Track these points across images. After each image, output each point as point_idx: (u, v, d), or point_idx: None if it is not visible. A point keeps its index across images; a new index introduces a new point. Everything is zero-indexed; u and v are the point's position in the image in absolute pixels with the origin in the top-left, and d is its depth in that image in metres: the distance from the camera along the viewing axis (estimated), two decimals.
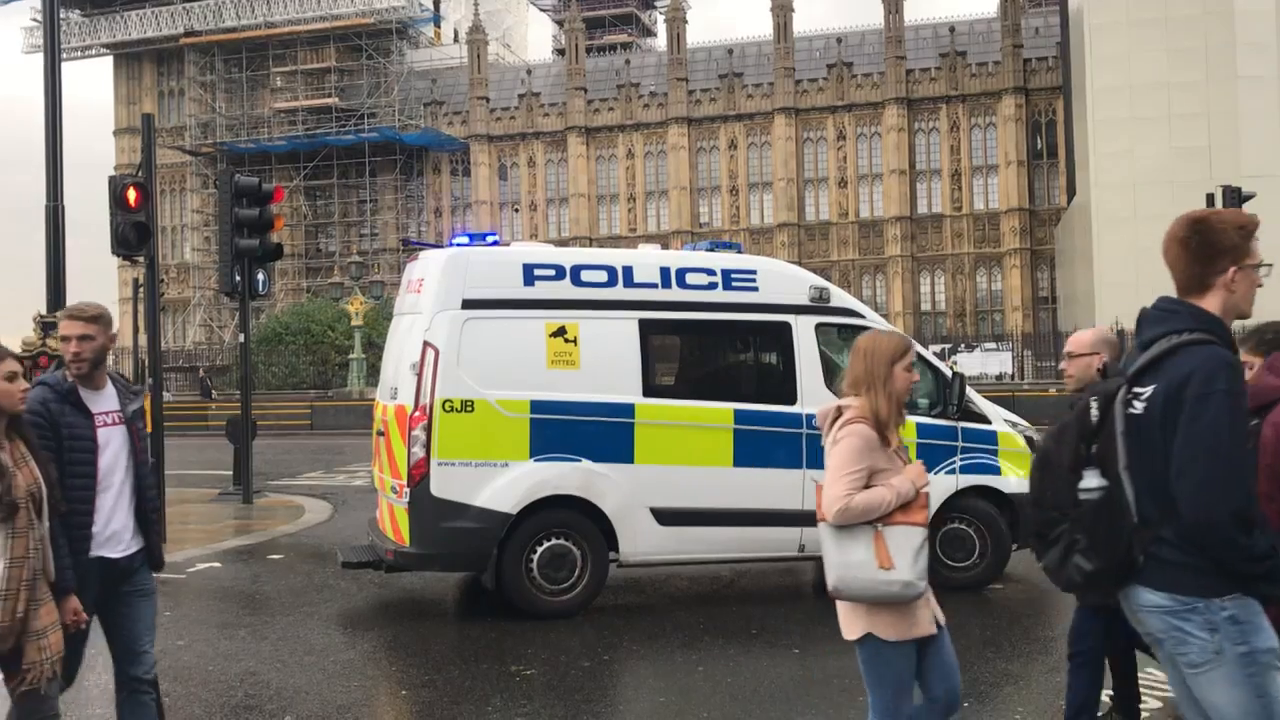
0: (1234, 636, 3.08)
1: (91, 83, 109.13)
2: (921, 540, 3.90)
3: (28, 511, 3.80)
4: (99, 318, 4.51)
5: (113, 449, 4.49)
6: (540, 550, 8.11)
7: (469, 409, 8.01)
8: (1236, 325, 3.38)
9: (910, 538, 3.87)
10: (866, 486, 3.87)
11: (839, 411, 4.02)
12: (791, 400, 8.62)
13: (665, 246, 11.18)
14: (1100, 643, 5.31)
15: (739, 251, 9.50)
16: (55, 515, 4.00)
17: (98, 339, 4.46)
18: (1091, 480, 3.37)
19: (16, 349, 18.13)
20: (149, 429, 6.42)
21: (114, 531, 4.50)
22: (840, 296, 9.14)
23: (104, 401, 4.52)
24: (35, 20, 61.75)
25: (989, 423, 9.14)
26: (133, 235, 12.35)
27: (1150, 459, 3.16)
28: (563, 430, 8.16)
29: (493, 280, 8.29)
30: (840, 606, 4.02)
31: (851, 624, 3.98)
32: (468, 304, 8.15)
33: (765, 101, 59.18)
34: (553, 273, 8.39)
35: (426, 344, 8.05)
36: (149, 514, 4.67)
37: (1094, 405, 3.43)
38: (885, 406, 3.95)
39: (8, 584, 3.76)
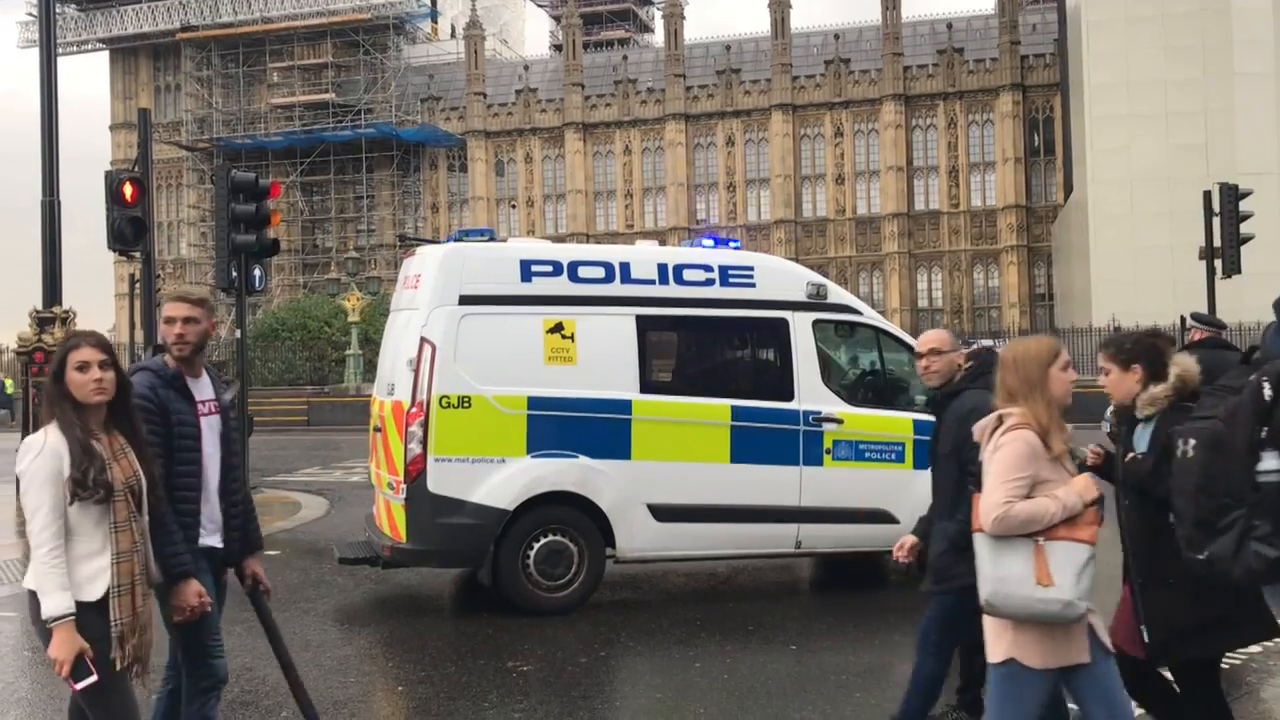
0: None
1: (88, 78, 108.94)
2: (1087, 558, 3.61)
3: (127, 504, 3.72)
4: (204, 301, 4.46)
5: (212, 438, 4.42)
6: (537, 546, 8.10)
7: (466, 405, 8.00)
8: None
9: (1074, 554, 3.59)
10: (1027, 497, 3.61)
11: (999, 420, 3.78)
12: (789, 397, 8.62)
13: (662, 243, 11.18)
14: (950, 636, 5.17)
15: (737, 247, 9.50)
16: (156, 512, 3.91)
17: (202, 322, 4.39)
18: (1271, 462, 3.24)
19: (13, 344, 18.11)
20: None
21: (216, 522, 4.44)
22: (837, 293, 9.14)
23: (203, 389, 4.44)
24: (31, 15, 61.62)
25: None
26: (129, 230, 12.33)
27: None
28: (560, 426, 8.16)
29: (490, 276, 8.28)
30: (987, 624, 3.76)
31: (996, 644, 3.73)
32: (465, 300, 8.14)
33: (763, 98, 59.16)
34: (550, 269, 8.38)
35: (423, 340, 8.04)
36: (238, 506, 4.57)
37: (1266, 385, 3.30)
38: (1045, 414, 3.70)
39: (120, 579, 3.69)
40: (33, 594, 3.69)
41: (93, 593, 3.64)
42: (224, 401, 4.54)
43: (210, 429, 4.41)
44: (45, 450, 3.63)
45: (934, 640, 5.12)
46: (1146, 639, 4.22)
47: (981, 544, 3.68)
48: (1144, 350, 4.31)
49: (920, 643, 5.17)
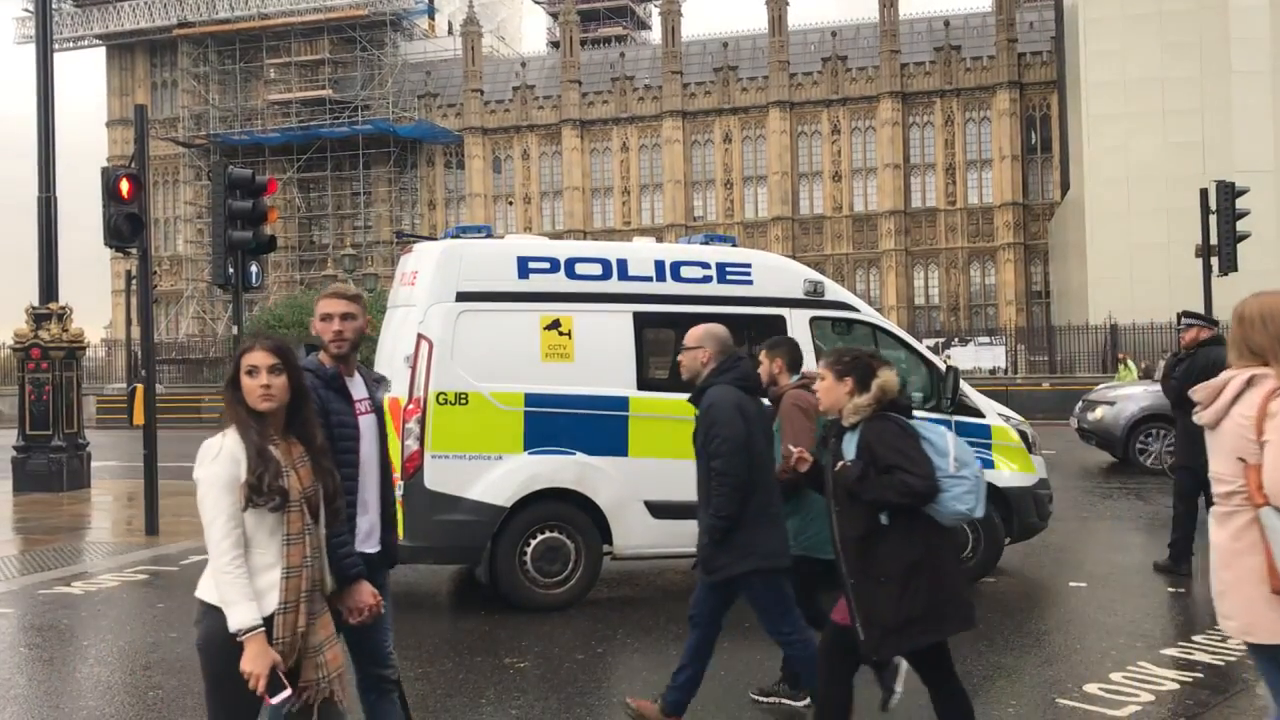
0: None
1: (84, 74, 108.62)
2: None
3: (302, 516, 3.55)
4: (359, 297, 4.36)
5: (369, 439, 4.29)
6: (534, 543, 8.11)
7: (463, 402, 8.00)
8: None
9: None
10: None
11: (1249, 380, 3.52)
12: None
13: (660, 240, 11.16)
14: (714, 614, 5.65)
15: (733, 245, 9.50)
16: (333, 525, 3.78)
17: (359, 319, 4.29)
18: None
19: (9, 340, 18.11)
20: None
21: (371, 525, 4.30)
22: (834, 290, 9.14)
23: (358, 388, 4.32)
24: (27, 10, 61.51)
25: (983, 417, 9.14)
26: (125, 227, 12.31)
27: None
28: (557, 423, 8.16)
29: (487, 273, 8.27)
30: (1258, 605, 3.54)
31: (1274, 626, 3.53)
32: (462, 296, 8.13)
33: (760, 95, 59.13)
34: (547, 265, 8.38)
35: (420, 336, 8.04)
36: (388, 508, 4.43)
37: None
38: None
39: (286, 596, 3.50)
40: (206, 605, 3.51)
41: (264, 608, 3.47)
42: (378, 400, 4.42)
43: (368, 429, 4.29)
44: (222, 455, 3.49)
45: (703, 616, 5.62)
46: (862, 636, 4.50)
47: (1272, 519, 3.44)
48: (858, 365, 4.63)
49: (691, 621, 5.67)
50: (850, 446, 4.55)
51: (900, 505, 4.39)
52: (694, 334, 5.76)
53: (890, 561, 4.41)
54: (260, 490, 3.45)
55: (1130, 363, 31.74)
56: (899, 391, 4.61)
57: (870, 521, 4.44)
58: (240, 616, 3.41)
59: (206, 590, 3.55)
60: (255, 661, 3.38)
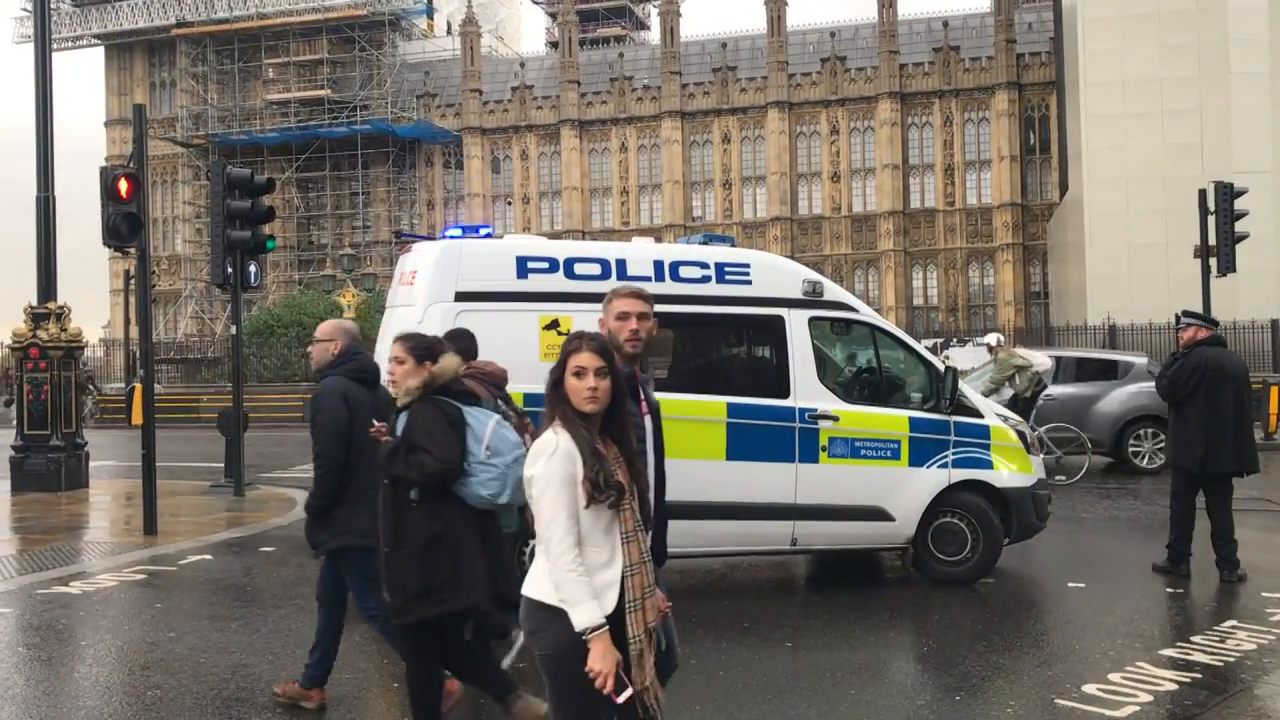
0: None
1: (83, 74, 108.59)
2: None
3: (634, 512, 3.56)
4: (652, 297, 4.41)
5: (649, 439, 4.31)
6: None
7: None
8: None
9: None
10: None
11: None
12: (785, 394, 8.61)
13: (658, 240, 11.15)
14: (337, 589, 6.07)
15: (732, 245, 9.50)
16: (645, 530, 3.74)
17: (650, 319, 4.34)
18: None
19: (7, 340, 18.08)
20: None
21: (650, 525, 4.24)
22: (833, 290, 9.13)
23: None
24: (25, 10, 61.51)
25: (981, 417, 9.14)
26: (124, 226, 12.30)
27: None
28: None
29: (486, 273, 8.27)
30: None
31: None
32: (460, 296, 8.13)
33: (758, 95, 59.13)
34: (546, 265, 8.37)
35: None
36: (661, 509, 4.43)
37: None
38: None
39: (633, 593, 3.50)
40: (546, 608, 3.50)
41: (604, 607, 3.46)
42: (652, 402, 4.41)
43: (648, 430, 4.31)
44: (559, 452, 3.49)
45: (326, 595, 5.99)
46: (388, 599, 4.90)
47: None
48: (428, 350, 5.00)
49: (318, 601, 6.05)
50: (400, 426, 4.89)
51: (424, 483, 4.73)
52: (326, 328, 6.23)
53: (414, 534, 4.78)
54: (600, 487, 3.45)
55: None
56: (454, 378, 4.95)
57: (401, 496, 4.80)
58: (587, 615, 3.39)
59: (541, 590, 3.52)
60: (604, 660, 3.37)
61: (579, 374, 3.58)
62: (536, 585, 3.56)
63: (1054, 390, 16.79)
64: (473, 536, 4.86)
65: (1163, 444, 15.55)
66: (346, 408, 5.75)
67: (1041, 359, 16.48)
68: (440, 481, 4.76)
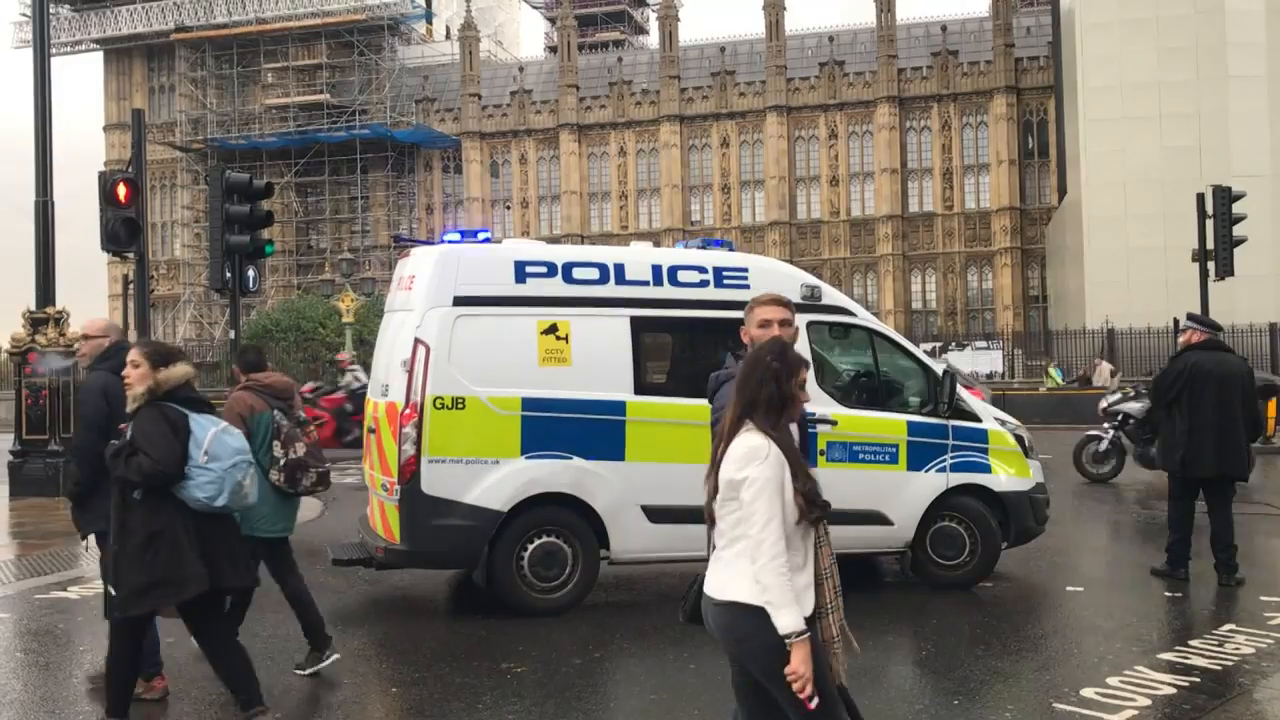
0: None
1: (82, 78, 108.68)
2: None
3: (824, 522, 3.67)
4: (793, 304, 4.49)
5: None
6: (531, 548, 8.10)
7: (460, 406, 7.99)
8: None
9: None
10: None
11: None
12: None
13: (657, 244, 11.16)
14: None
15: (731, 249, 9.50)
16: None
17: (791, 326, 4.46)
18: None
19: (6, 345, 18.03)
20: None
21: None
22: (832, 295, 9.14)
23: None
24: (24, 15, 61.50)
25: (979, 421, 9.15)
26: (123, 231, 12.32)
27: None
28: (554, 428, 8.15)
29: (484, 277, 8.27)
30: None
31: None
32: (459, 301, 8.13)
33: (757, 99, 59.18)
34: (544, 270, 8.37)
35: (418, 341, 8.04)
36: None
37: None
38: None
39: (828, 597, 3.61)
40: (754, 610, 3.51)
41: (803, 609, 3.52)
42: (801, 412, 4.40)
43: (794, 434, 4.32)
44: (772, 457, 3.54)
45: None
46: (114, 593, 5.21)
47: None
48: (170, 357, 5.31)
49: None
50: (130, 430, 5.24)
51: (142, 484, 5.02)
52: (97, 324, 6.61)
53: (135, 532, 5.07)
54: (814, 502, 3.55)
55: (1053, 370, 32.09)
56: (184, 385, 5.26)
57: (127, 495, 5.11)
58: (793, 619, 3.44)
59: (745, 592, 3.55)
60: (806, 663, 3.41)
61: (801, 385, 3.73)
62: (739, 587, 3.57)
63: None
64: (191, 535, 5.12)
65: None
66: (106, 402, 6.05)
67: None
68: (156, 483, 5.03)
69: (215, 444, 5.14)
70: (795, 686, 3.39)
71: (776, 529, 3.47)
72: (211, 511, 5.17)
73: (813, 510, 3.52)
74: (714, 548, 3.79)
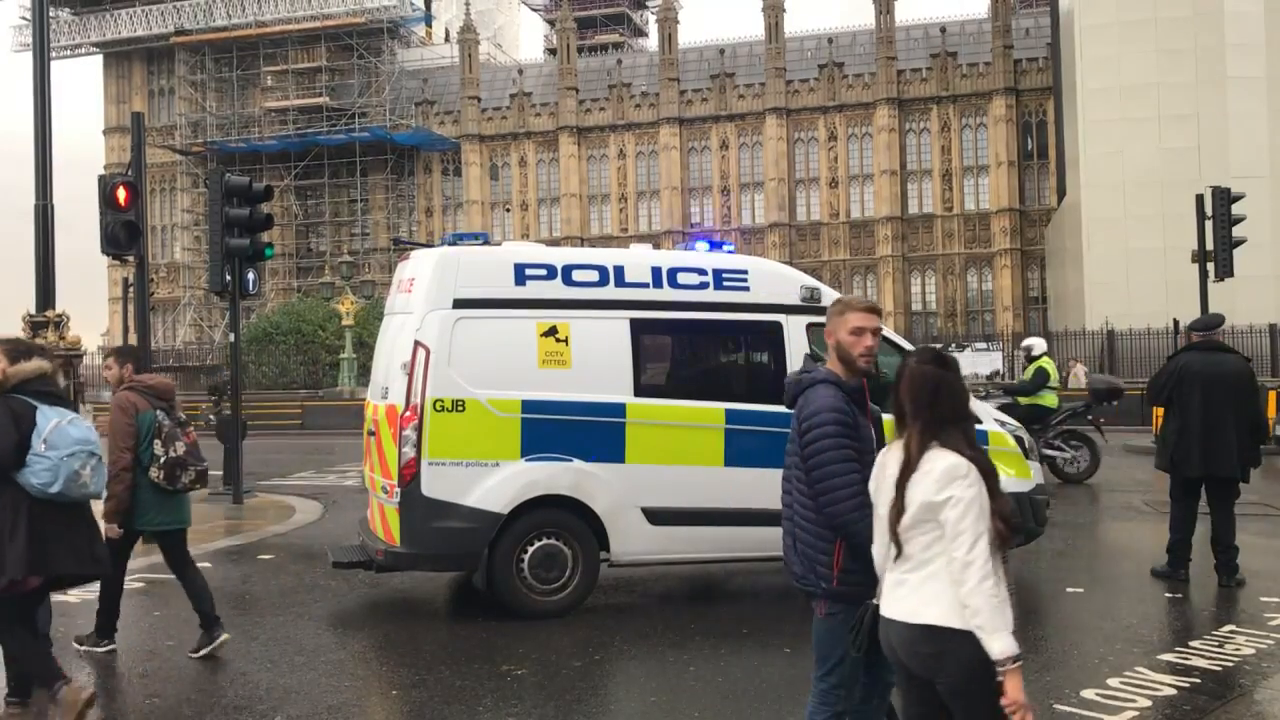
0: None
1: (81, 82, 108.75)
2: None
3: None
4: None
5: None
6: (531, 550, 8.10)
7: (460, 409, 7.99)
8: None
9: None
10: None
11: None
12: (783, 400, 8.60)
13: (657, 246, 11.16)
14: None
15: (731, 251, 9.50)
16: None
17: (881, 334, 4.39)
18: None
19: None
20: None
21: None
22: (831, 296, 9.12)
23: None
24: (24, 19, 61.53)
25: (979, 422, 9.14)
26: (122, 234, 12.32)
27: None
28: (554, 430, 8.15)
29: (484, 280, 8.27)
30: None
31: None
32: (459, 303, 8.13)
33: (756, 102, 59.21)
34: (544, 272, 8.37)
35: (417, 343, 8.04)
36: None
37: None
38: None
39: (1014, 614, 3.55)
40: (939, 630, 3.41)
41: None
42: (875, 413, 4.40)
43: (874, 441, 4.28)
44: (973, 477, 3.43)
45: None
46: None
47: None
48: (30, 352, 5.57)
49: None
50: None
51: None
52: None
53: None
54: (1014, 528, 3.50)
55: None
56: (37, 378, 5.49)
57: None
58: (1008, 643, 3.30)
59: (943, 615, 3.41)
60: (1021, 690, 3.27)
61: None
62: (934, 611, 3.43)
63: None
64: (23, 522, 5.37)
65: None
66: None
67: None
68: None
69: (56, 434, 5.35)
70: (1015, 717, 3.25)
71: (984, 550, 3.34)
72: (59, 500, 5.41)
73: (1014, 539, 3.43)
74: (892, 569, 3.62)
